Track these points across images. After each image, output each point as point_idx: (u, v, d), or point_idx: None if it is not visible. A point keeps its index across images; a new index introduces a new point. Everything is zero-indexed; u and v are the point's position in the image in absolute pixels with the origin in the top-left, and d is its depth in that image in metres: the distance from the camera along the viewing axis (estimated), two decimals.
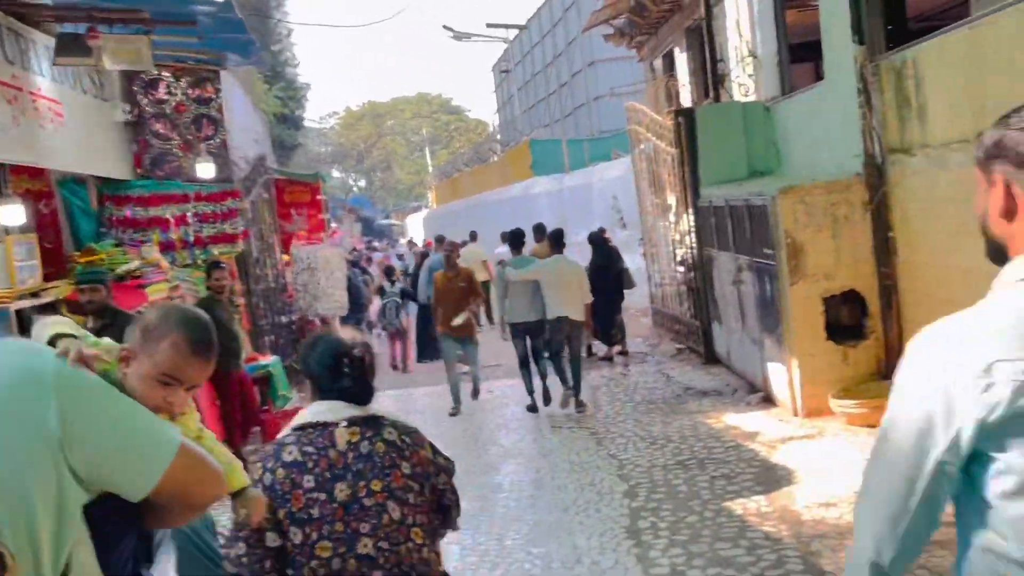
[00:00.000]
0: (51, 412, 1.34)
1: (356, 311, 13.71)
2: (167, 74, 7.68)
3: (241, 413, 6.94)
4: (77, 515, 1.39)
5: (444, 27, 26.64)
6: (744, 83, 9.45)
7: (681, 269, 10.31)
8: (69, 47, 5.77)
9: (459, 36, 26.97)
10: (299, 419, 2.17)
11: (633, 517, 5.02)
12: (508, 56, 31.88)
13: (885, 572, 1.32)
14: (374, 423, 2.13)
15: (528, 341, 8.01)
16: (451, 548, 4.66)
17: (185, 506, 1.61)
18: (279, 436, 2.20)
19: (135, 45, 5.84)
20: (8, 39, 5.44)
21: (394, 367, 12.10)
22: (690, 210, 9.58)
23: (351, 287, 13.70)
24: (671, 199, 10.32)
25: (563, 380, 7.90)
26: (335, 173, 71.01)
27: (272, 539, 2.04)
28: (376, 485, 2.06)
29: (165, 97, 7.75)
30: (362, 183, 71.61)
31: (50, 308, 5.62)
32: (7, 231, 5.68)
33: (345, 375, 2.14)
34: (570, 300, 7.74)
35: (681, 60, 13.12)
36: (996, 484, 1.22)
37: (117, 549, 1.65)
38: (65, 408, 1.36)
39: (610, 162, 19.15)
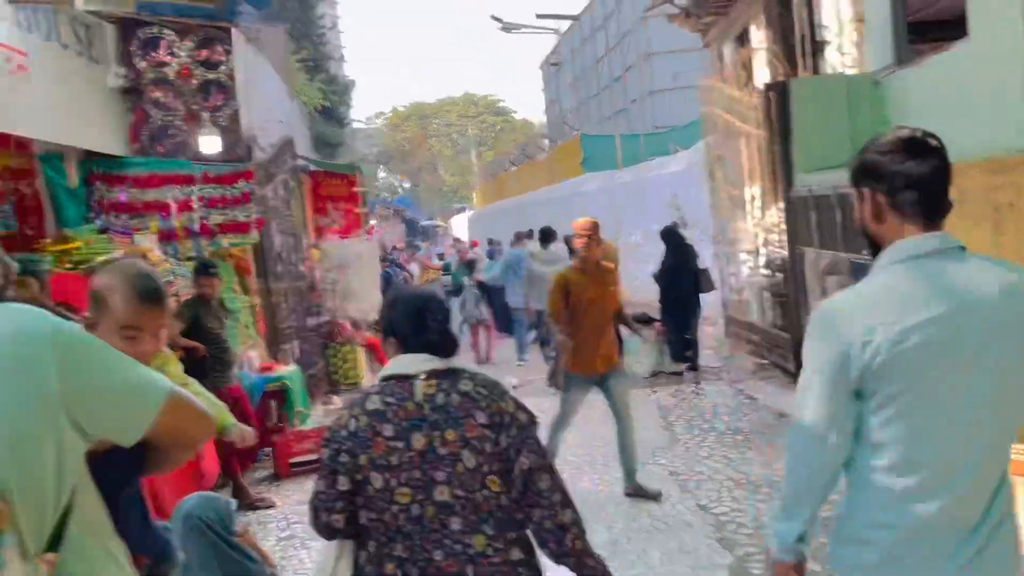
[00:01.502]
0: (51, 368, 1.40)
1: None
2: (169, 32, 6.51)
3: None
4: (76, 462, 1.47)
5: (492, 17, 25.38)
6: (848, 52, 7.99)
7: (766, 271, 8.88)
8: None
9: (508, 27, 25.68)
10: (385, 371, 2.22)
11: None
12: (558, 51, 30.58)
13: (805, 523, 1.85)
14: (452, 375, 2.17)
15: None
16: None
17: (178, 446, 1.71)
18: (366, 386, 2.37)
19: None
20: None
21: (478, 360, 11.71)
22: (780, 202, 8.15)
23: (391, 285, 12.62)
24: (754, 190, 8.89)
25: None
26: (381, 174, 70.52)
27: (343, 483, 2.11)
28: (450, 435, 2.10)
29: (167, 59, 6.57)
30: (407, 184, 71.04)
31: None
32: None
33: (428, 328, 2.20)
34: None
35: (759, 39, 11.65)
36: (878, 416, 1.73)
37: (122, 495, 1.83)
38: (64, 363, 1.42)
39: (668, 157, 17.73)
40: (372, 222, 18.55)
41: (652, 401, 8.10)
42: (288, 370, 7.46)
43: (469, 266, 13.19)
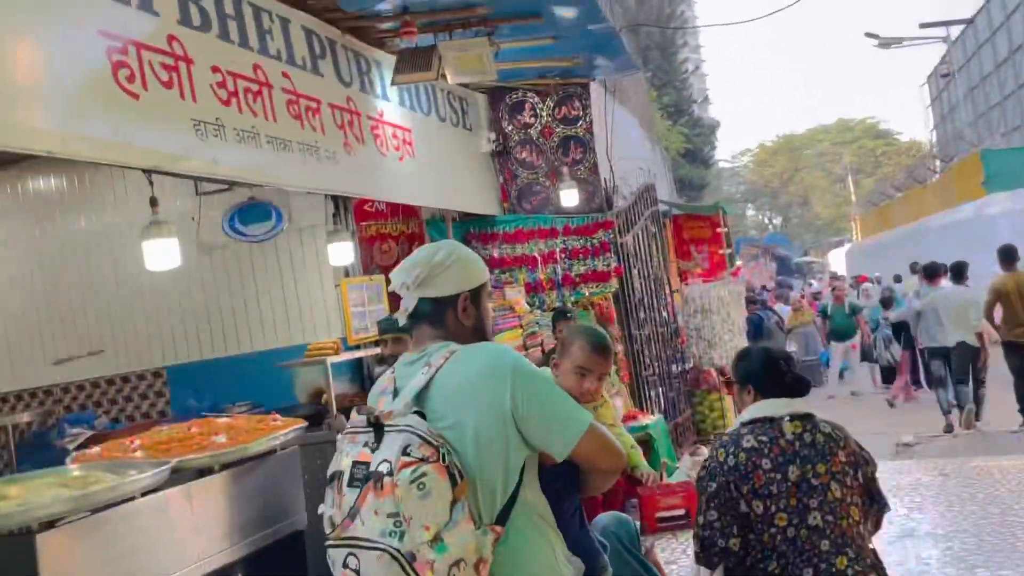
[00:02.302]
0: (507, 390, 1.89)
1: None
2: (532, 94, 6.85)
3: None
4: (520, 462, 1.90)
5: (867, 35, 23.44)
6: None
7: None
8: (408, 63, 5.10)
9: (886, 43, 23.50)
10: (745, 415, 2.59)
11: None
12: (948, 60, 27.27)
13: None
14: (811, 418, 2.54)
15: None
16: None
17: (597, 471, 2.06)
18: (730, 430, 2.67)
19: (475, 51, 4.98)
20: (343, 57, 4.91)
21: (890, 404, 11.10)
22: None
23: (762, 329, 11.97)
24: None
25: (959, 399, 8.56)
26: (749, 212, 68.88)
27: (743, 506, 2.45)
28: (821, 468, 2.44)
29: (531, 121, 6.92)
30: (777, 220, 68.41)
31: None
32: (347, 273, 5.12)
33: (784, 373, 2.57)
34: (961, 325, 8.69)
35: None
36: None
37: (565, 503, 2.28)
38: (515, 388, 1.89)
39: None
40: (738, 263, 17.93)
41: None
42: (652, 419, 7.29)
43: (884, 303, 12.23)
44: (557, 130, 6.93)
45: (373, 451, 1.81)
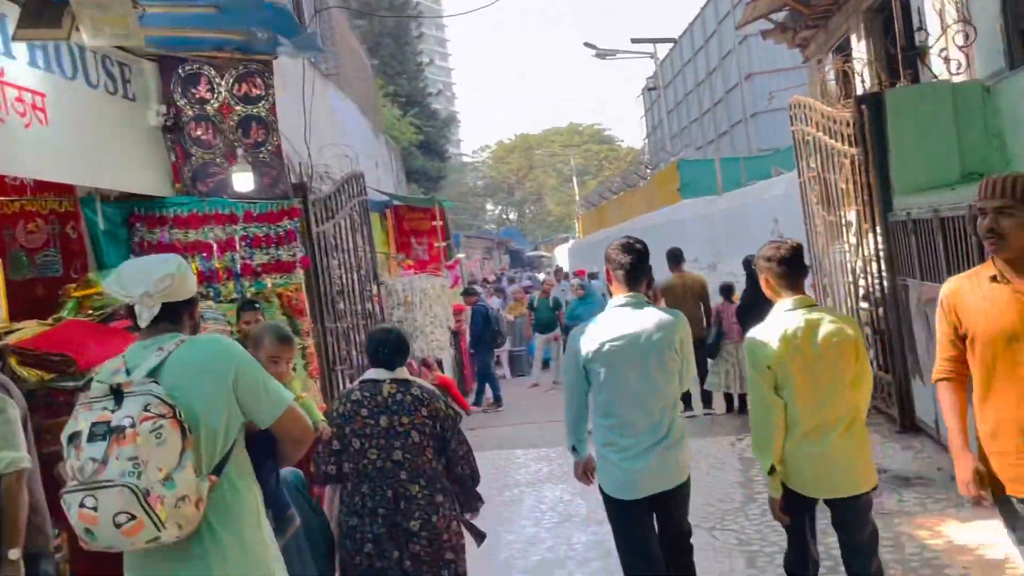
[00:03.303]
0: (231, 373, 2.45)
1: (492, 343, 12.19)
2: (209, 67, 6.32)
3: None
4: (237, 427, 2.48)
5: (586, 44, 24.93)
6: (955, 57, 7.05)
7: (864, 305, 7.93)
8: (34, 17, 4.42)
9: (602, 54, 25.16)
10: (362, 377, 3.57)
11: None
12: (657, 75, 29.84)
13: (577, 442, 3.60)
14: (407, 383, 3.48)
15: None
16: None
17: (292, 440, 2.65)
18: (349, 388, 3.72)
19: (117, 10, 4.41)
20: None
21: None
22: (877, 227, 7.24)
23: (490, 319, 12.09)
24: (850, 215, 7.98)
25: None
26: (488, 206, 70.97)
27: (335, 444, 3.42)
28: (405, 419, 3.37)
29: (207, 96, 6.39)
30: (514, 215, 71.22)
31: None
32: None
33: (384, 352, 3.52)
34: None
35: (860, 50, 10.68)
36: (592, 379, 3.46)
37: (265, 464, 2.70)
38: (238, 372, 2.46)
39: (769, 180, 16.68)
40: (460, 255, 18.26)
41: (735, 452, 7.30)
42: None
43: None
44: (236, 108, 6.44)
45: (113, 412, 2.22)
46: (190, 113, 6.41)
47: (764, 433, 3.25)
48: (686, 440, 3.49)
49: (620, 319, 3.43)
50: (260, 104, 6.52)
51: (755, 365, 3.26)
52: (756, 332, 3.33)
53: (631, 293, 3.46)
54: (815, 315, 3.29)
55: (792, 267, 3.32)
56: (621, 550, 3.52)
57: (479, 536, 3.66)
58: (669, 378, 3.42)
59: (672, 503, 3.47)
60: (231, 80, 6.45)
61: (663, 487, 3.40)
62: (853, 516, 3.29)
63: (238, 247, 6.54)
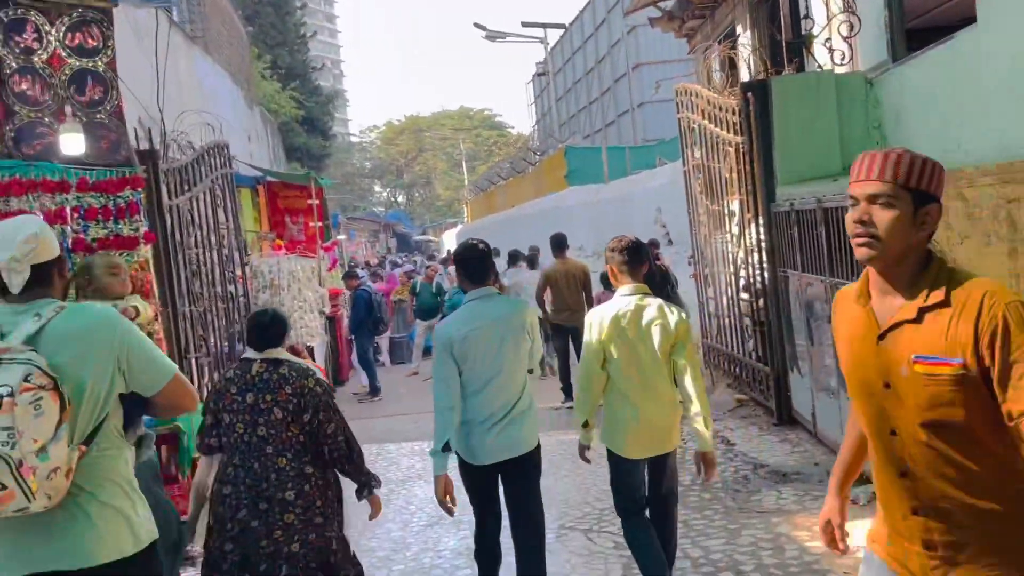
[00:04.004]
0: (116, 342, 2.39)
1: (373, 329, 11.72)
2: (37, 12, 5.52)
3: None
4: (116, 394, 2.42)
5: (475, 25, 24.41)
6: (839, 48, 6.99)
7: (745, 296, 7.85)
8: None
9: (492, 36, 24.70)
10: (242, 356, 3.65)
11: None
12: (547, 61, 29.68)
13: (441, 448, 3.67)
14: (276, 363, 3.52)
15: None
16: None
17: (173, 406, 2.62)
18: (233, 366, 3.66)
19: None
20: None
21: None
22: (760, 218, 7.14)
23: (371, 303, 11.57)
24: (733, 204, 7.88)
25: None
26: (376, 188, 69.48)
27: (209, 419, 3.56)
28: (268, 397, 3.44)
29: (35, 46, 5.58)
30: (402, 198, 70.07)
31: None
32: None
33: (254, 333, 3.60)
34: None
35: (746, 39, 10.67)
36: (460, 364, 3.78)
37: (134, 422, 2.59)
38: (123, 341, 2.41)
39: (653, 170, 16.76)
40: (340, 236, 17.51)
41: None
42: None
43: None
44: (69, 60, 5.64)
45: None
46: (14, 64, 5.57)
47: (585, 397, 3.87)
48: (534, 411, 3.86)
49: (475, 310, 3.77)
50: (97, 58, 5.74)
51: (588, 340, 3.78)
52: (595, 311, 3.86)
53: (481, 287, 3.81)
54: (645, 302, 3.76)
55: (632, 257, 3.77)
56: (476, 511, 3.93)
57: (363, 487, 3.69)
58: (522, 357, 3.81)
59: (518, 471, 3.80)
60: (63, 28, 5.65)
61: (512, 454, 3.76)
62: (663, 470, 3.88)
63: (69, 219, 5.74)
